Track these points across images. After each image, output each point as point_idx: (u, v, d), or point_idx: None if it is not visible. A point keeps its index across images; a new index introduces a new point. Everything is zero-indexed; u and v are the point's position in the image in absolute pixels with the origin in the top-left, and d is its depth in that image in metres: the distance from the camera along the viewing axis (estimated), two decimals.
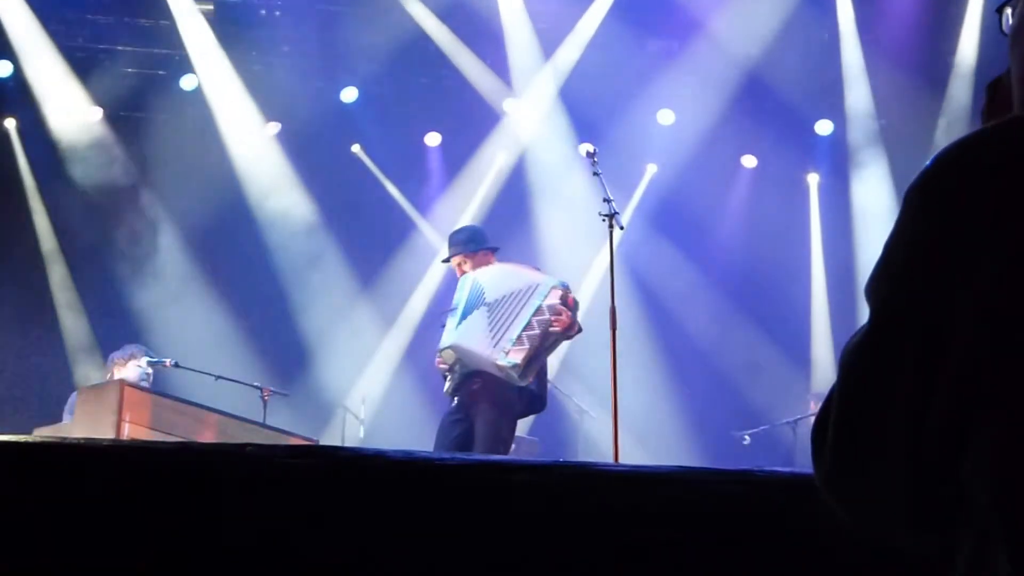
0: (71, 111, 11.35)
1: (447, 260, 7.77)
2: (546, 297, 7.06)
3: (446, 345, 7.23)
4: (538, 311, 7.02)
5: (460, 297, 7.34)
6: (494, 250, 7.70)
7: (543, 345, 7.08)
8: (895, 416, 1.36)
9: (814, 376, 11.59)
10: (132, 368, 8.42)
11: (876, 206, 11.53)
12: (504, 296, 7.16)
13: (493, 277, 7.39)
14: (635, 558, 2.02)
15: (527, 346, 6.94)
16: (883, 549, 1.56)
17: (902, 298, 1.38)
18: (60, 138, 11.32)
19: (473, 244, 7.62)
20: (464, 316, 7.24)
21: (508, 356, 6.90)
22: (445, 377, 7.40)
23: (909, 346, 1.35)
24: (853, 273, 11.55)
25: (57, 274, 11.51)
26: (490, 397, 7.13)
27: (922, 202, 1.39)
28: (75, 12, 11.04)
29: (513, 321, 7.01)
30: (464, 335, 7.18)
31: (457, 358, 7.19)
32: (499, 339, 7.00)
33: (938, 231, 1.36)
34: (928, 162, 1.41)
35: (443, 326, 7.47)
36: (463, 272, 7.53)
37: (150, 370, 8.46)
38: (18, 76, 11.20)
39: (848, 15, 11.42)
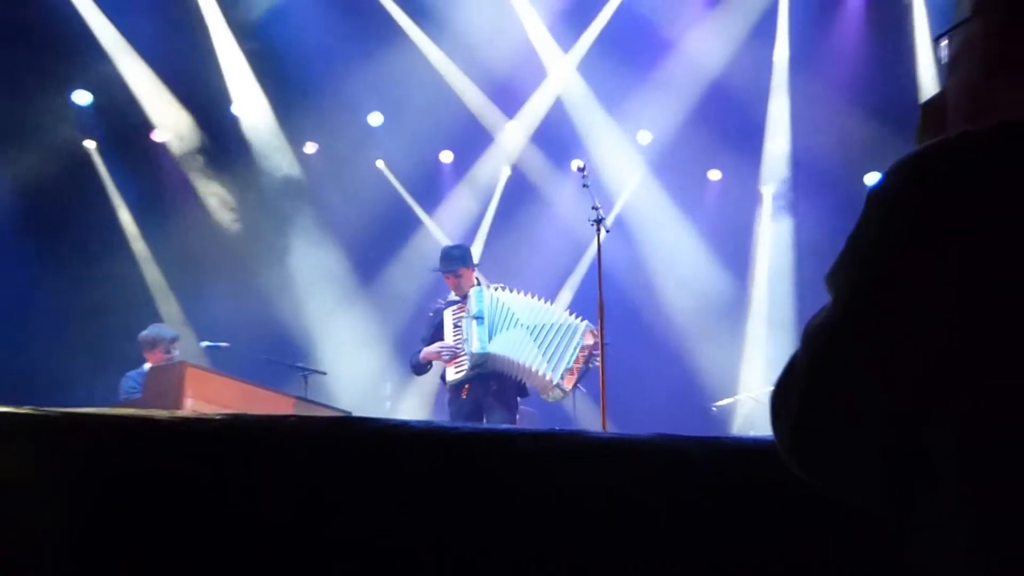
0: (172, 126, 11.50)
1: (449, 271, 7.82)
2: (584, 337, 7.50)
3: (487, 351, 7.48)
4: (582, 348, 7.47)
5: (480, 307, 7.54)
6: (476, 266, 8.00)
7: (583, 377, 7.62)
8: (857, 390, 1.34)
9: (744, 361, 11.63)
10: (158, 355, 8.43)
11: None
12: (545, 325, 7.57)
13: (520, 303, 7.73)
14: (625, 514, 2.01)
15: (576, 377, 7.48)
16: (848, 510, 1.54)
17: (863, 290, 1.35)
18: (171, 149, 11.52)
19: (469, 260, 7.88)
20: (496, 328, 7.57)
21: (564, 382, 7.43)
22: (423, 366, 7.75)
23: (869, 328, 1.33)
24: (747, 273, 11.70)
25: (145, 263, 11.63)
26: (504, 398, 7.57)
27: (881, 207, 1.37)
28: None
29: (565, 352, 7.49)
30: (509, 347, 7.51)
31: (484, 361, 7.36)
32: (555, 363, 7.44)
33: (895, 235, 1.33)
34: (888, 170, 1.39)
35: (458, 326, 7.58)
36: (455, 283, 7.69)
37: (172, 355, 8.45)
38: (97, 103, 11.29)
39: (783, 47, 11.44)
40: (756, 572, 1.96)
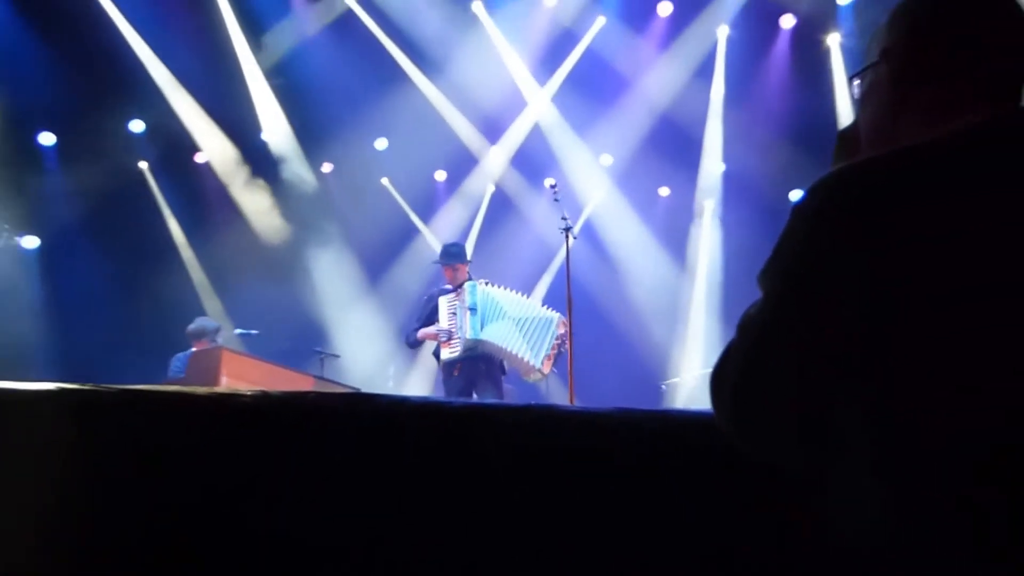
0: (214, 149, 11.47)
1: (447, 264, 7.79)
2: (558, 327, 7.46)
3: (479, 337, 7.42)
4: (556, 337, 7.44)
5: (474, 300, 7.51)
6: (469, 263, 7.92)
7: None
8: (784, 371, 1.34)
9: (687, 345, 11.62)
10: (204, 344, 8.38)
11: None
12: (529, 318, 7.50)
13: (507, 298, 7.65)
14: (590, 473, 2.01)
15: (552, 362, 7.43)
16: (778, 472, 1.53)
17: (788, 300, 1.35)
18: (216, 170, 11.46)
19: (464, 256, 7.80)
20: (487, 319, 7.49)
21: (543, 367, 7.37)
22: (418, 342, 7.73)
23: (793, 333, 1.33)
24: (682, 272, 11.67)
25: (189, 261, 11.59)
26: (492, 377, 7.52)
27: (803, 223, 1.36)
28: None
29: (544, 341, 7.42)
30: (498, 336, 7.43)
31: (476, 346, 7.35)
32: (536, 351, 7.39)
33: (815, 254, 1.33)
34: (809, 187, 1.39)
35: (453, 313, 7.56)
36: (451, 275, 7.64)
37: (217, 343, 8.41)
38: (150, 130, 11.26)
39: (720, 84, 11.43)
40: (698, 522, 1.96)
